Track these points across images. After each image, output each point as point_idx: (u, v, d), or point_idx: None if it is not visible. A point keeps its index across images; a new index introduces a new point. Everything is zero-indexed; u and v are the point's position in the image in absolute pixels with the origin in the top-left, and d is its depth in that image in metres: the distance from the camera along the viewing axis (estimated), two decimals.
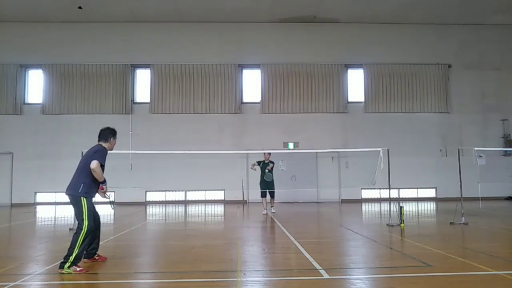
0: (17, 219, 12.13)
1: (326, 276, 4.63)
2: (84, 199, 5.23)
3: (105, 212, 14.12)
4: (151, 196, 17.67)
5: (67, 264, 4.93)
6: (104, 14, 17.16)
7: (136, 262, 5.81)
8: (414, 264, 5.24)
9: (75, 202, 5.25)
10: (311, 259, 5.47)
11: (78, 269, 4.96)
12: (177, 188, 17.53)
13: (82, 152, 9.51)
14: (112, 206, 5.95)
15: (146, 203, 17.24)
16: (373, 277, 4.72)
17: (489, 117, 18.26)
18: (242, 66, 18.26)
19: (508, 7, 16.77)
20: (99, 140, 5.61)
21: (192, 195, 17.71)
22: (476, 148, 10.99)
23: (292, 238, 7.37)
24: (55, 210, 14.65)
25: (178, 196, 17.73)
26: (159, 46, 17.87)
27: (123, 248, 6.90)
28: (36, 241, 7.85)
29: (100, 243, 7.09)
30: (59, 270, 4.93)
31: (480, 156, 15.55)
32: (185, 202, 17.48)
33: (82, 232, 5.10)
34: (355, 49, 18.17)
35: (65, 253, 5.03)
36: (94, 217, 5.33)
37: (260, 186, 12.39)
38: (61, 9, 16.62)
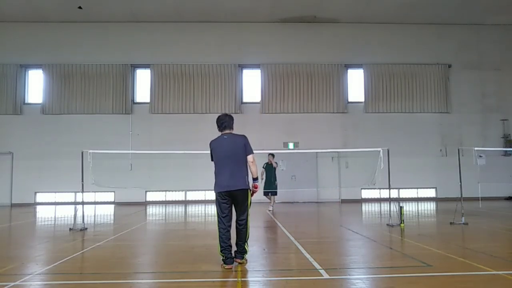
0: (17, 219, 12.12)
1: (326, 276, 4.63)
2: (249, 192, 5.20)
3: (105, 212, 14.14)
4: (151, 196, 17.67)
5: (245, 255, 5.22)
6: (104, 14, 17.16)
7: (136, 262, 5.81)
8: (414, 264, 5.23)
9: (245, 197, 5.14)
10: (311, 259, 5.46)
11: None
12: (177, 188, 17.53)
13: (82, 152, 9.64)
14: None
15: (146, 203, 17.23)
16: (373, 277, 4.72)
17: (489, 117, 18.25)
18: (242, 66, 18.25)
19: (508, 7, 16.76)
20: (224, 129, 5.24)
21: (192, 195, 17.70)
22: (476, 148, 10.97)
23: (292, 238, 7.36)
24: (55, 210, 14.64)
25: (178, 196, 17.73)
26: (159, 46, 17.86)
27: (123, 248, 6.90)
28: (36, 241, 7.84)
29: (100, 243, 7.15)
30: (238, 261, 5.12)
31: (480, 156, 15.56)
32: (185, 202, 17.48)
33: (248, 226, 5.20)
34: (355, 49, 18.15)
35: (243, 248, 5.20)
36: None
37: (267, 187, 13.17)
38: (61, 9, 16.62)
